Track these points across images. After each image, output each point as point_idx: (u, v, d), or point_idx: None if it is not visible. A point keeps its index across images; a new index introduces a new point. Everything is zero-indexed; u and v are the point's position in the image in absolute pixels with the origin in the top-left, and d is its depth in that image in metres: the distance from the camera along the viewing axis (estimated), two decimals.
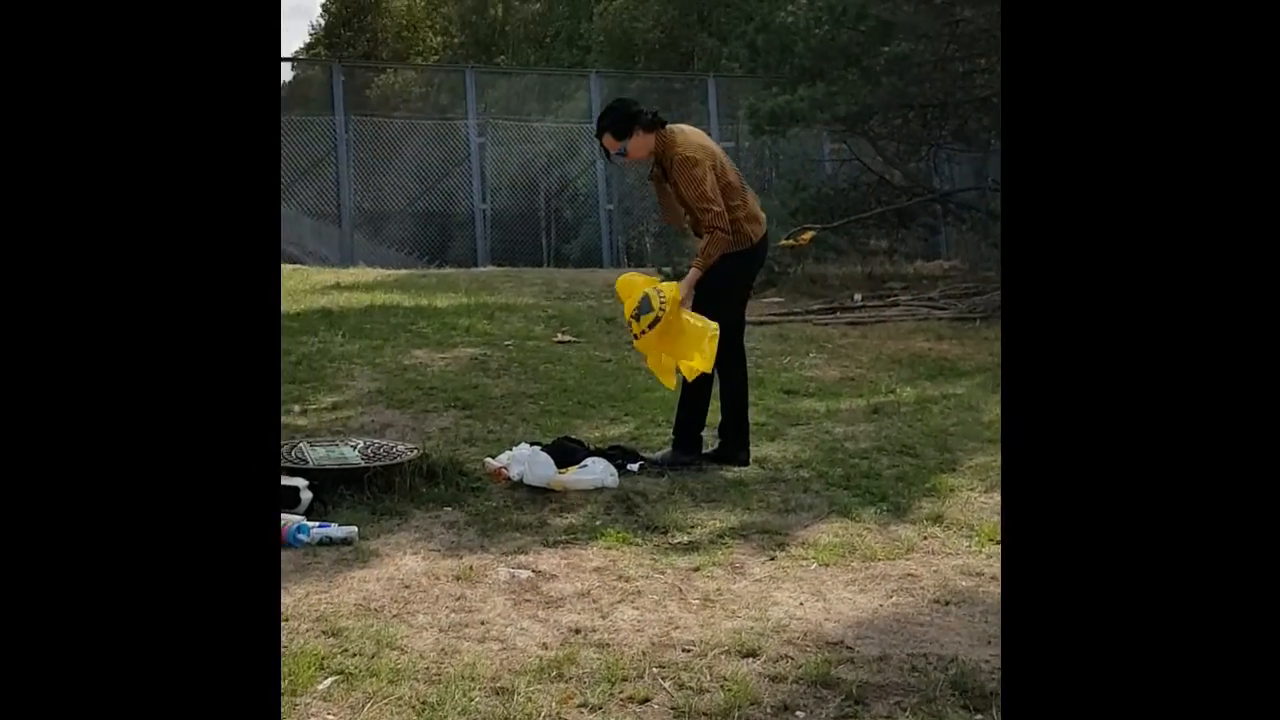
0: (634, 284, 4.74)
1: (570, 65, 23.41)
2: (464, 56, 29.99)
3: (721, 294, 4.73)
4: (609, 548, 3.77)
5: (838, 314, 9.34)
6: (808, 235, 10.87)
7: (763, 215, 5.01)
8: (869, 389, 6.47)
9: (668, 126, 4.78)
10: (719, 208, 4.65)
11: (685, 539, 3.90)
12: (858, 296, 10.03)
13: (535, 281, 10.98)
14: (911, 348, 7.81)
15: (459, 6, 33.00)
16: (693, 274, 4.71)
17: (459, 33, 33.33)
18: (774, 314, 9.25)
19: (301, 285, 10.29)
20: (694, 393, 4.85)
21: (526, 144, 16.54)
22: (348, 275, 11.32)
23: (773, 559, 3.71)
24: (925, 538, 3.91)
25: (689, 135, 4.82)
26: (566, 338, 7.98)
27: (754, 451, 5.00)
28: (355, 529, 3.82)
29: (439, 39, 37.04)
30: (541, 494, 4.31)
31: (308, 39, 49.29)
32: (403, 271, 12.32)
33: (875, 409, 5.93)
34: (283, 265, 13.35)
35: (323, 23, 44.17)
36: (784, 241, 10.99)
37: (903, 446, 5.15)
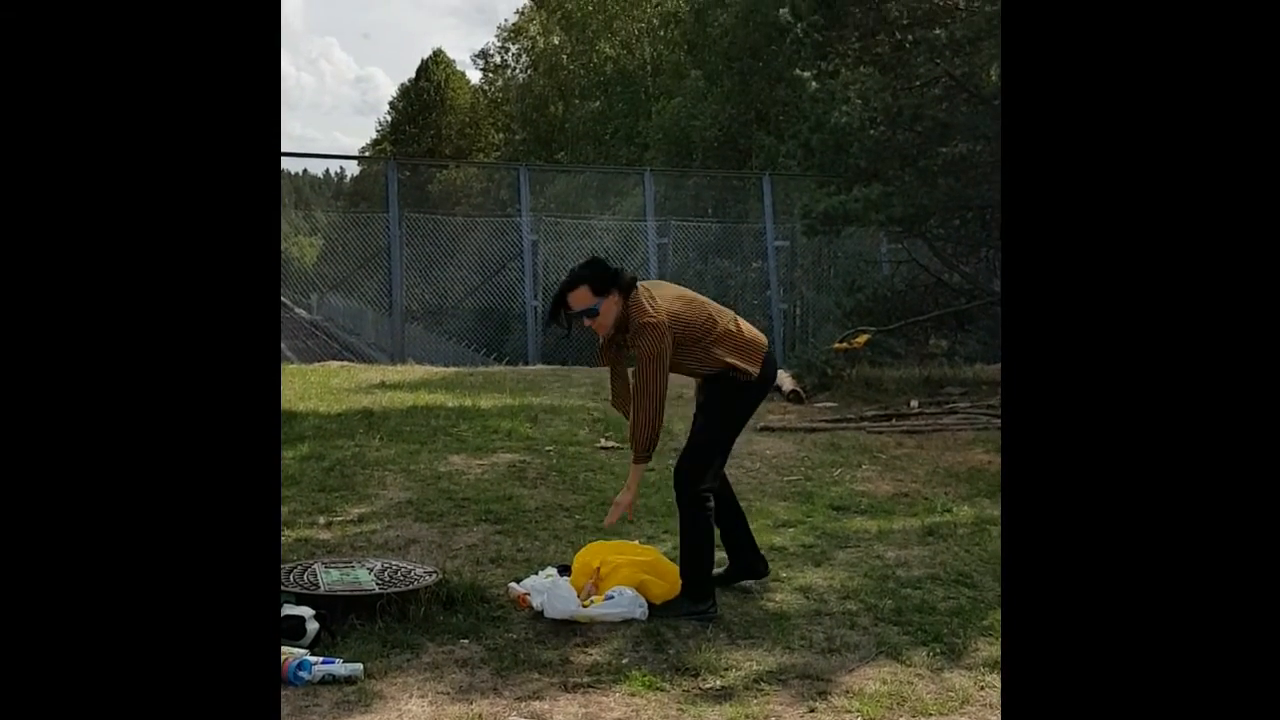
0: (594, 555, 4.43)
1: (628, 162, 23.56)
2: (524, 153, 30.39)
3: (721, 420, 4.41)
4: (633, 694, 3.46)
5: (893, 421, 9.00)
6: (863, 338, 10.61)
7: (762, 341, 4.52)
8: (924, 507, 6.12)
9: (639, 286, 4.35)
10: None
11: (718, 683, 3.58)
12: (914, 403, 9.69)
13: (584, 381, 10.77)
14: (970, 460, 7.45)
15: (520, 105, 33.54)
16: (635, 475, 4.32)
17: (520, 130, 33.81)
18: (827, 420, 8.94)
19: (346, 384, 10.17)
20: (692, 534, 4.36)
21: (584, 239, 16.54)
22: (394, 373, 11.20)
23: (812, 710, 3.37)
24: (982, 688, 3.56)
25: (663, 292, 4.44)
26: (610, 444, 7.72)
27: (800, 578, 4.69)
28: (360, 666, 3.55)
29: (500, 136, 37.65)
30: (566, 626, 4.02)
31: (374, 135, 50.49)
32: (451, 369, 12.19)
33: (930, 530, 5.58)
34: (333, 362, 13.34)
35: (389, 119, 45.23)
36: (838, 344, 10.74)
37: (959, 575, 4.80)
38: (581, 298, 4.24)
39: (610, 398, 4.75)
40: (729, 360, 4.34)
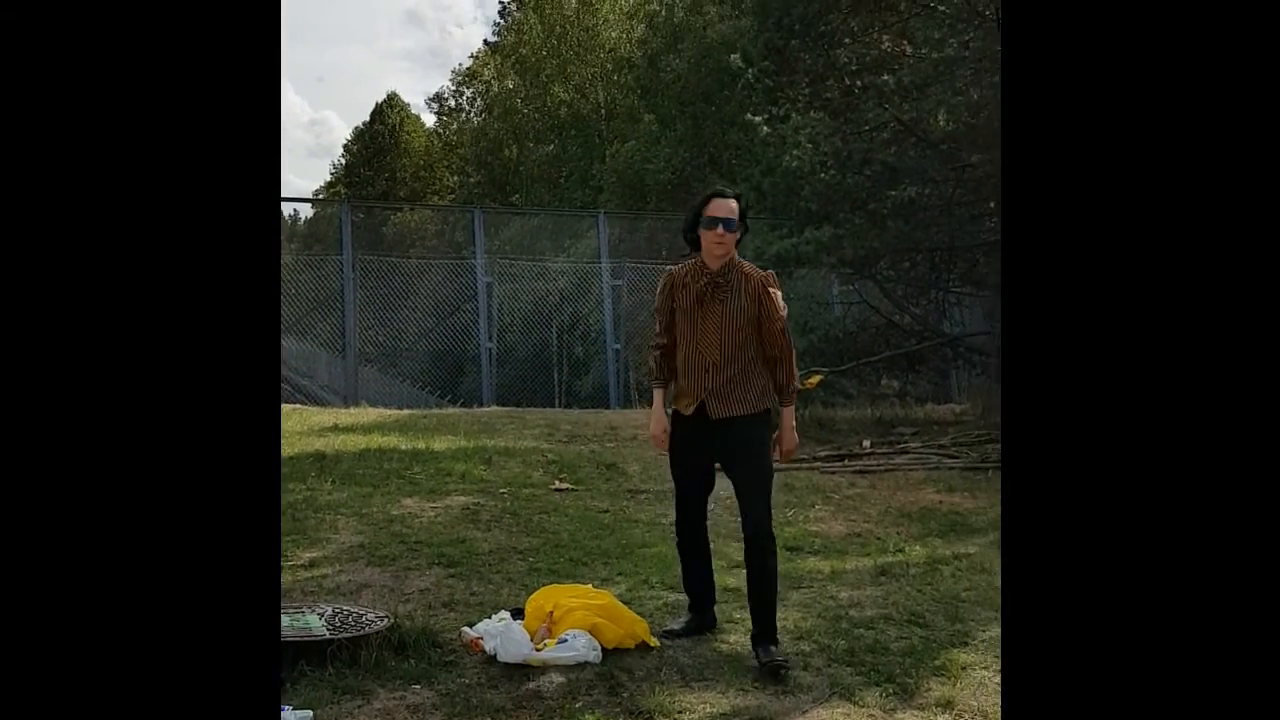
0: (547, 598, 4.42)
1: (583, 205, 23.65)
2: (479, 196, 30.42)
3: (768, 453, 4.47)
4: None
5: (846, 461, 9.06)
6: (815, 379, 10.66)
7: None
8: (877, 547, 6.16)
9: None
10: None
11: None
12: (867, 443, 9.76)
13: (538, 423, 10.74)
14: (921, 500, 7.51)
15: (474, 148, 33.61)
16: (791, 412, 4.48)
17: (474, 172, 33.87)
18: (779, 462, 8.96)
19: (299, 427, 10.07)
20: (772, 578, 4.40)
21: (538, 281, 16.56)
22: (347, 416, 11.12)
23: None
24: None
25: None
26: (564, 485, 7.71)
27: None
28: (310, 713, 3.51)
29: (455, 178, 37.68)
30: (519, 670, 3.99)
31: (328, 178, 50.38)
32: (404, 412, 12.12)
33: (883, 570, 5.62)
34: (285, 405, 13.23)
35: (343, 162, 45.14)
36: None
37: (911, 615, 4.83)
38: (730, 208, 4.21)
39: (658, 342, 4.48)
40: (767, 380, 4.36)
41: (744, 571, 5.52)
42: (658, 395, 4.46)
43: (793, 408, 4.48)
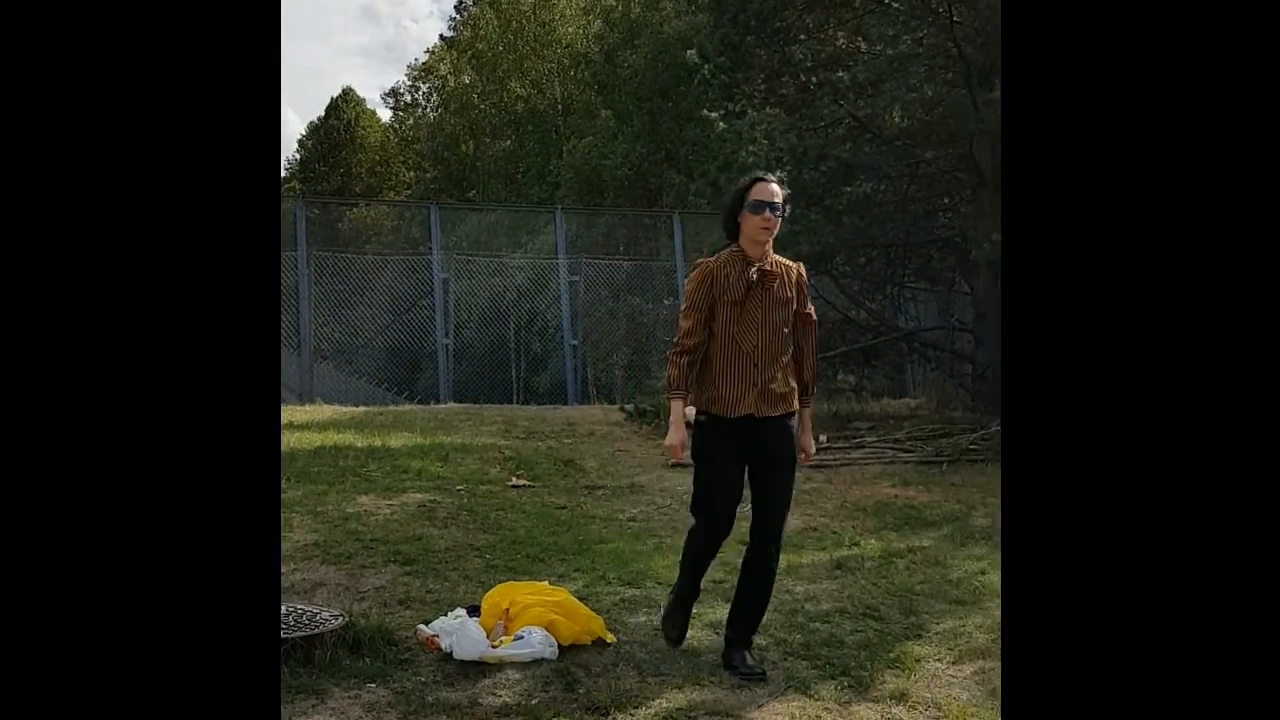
0: (503, 596, 4.42)
1: (540, 201, 23.59)
2: (435, 191, 30.25)
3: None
4: None
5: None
6: None
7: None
8: (832, 541, 6.19)
9: None
10: None
11: None
12: (823, 438, 9.80)
13: (495, 419, 10.71)
14: (877, 494, 7.56)
15: (431, 143, 33.43)
16: (810, 413, 4.25)
17: (431, 168, 33.68)
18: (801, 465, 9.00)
19: None
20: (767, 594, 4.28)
21: (495, 277, 16.49)
22: (302, 413, 11.02)
23: None
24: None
25: None
26: (521, 482, 7.69)
27: (713, 614, 4.71)
28: None
29: (411, 174, 37.45)
30: (475, 668, 3.98)
31: (283, 173, 49.95)
32: (360, 409, 12.03)
33: (838, 564, 5.65)
34: None
35: (298, 157, 44.73)
36: None
37: (866, 608, 4.86)
38: (775, 192, 4.02)
39: (686, 345, 4.07)
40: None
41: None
42: (677, 406, 4.07)
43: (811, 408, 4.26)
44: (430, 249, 15.23)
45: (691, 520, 4.25)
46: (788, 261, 4.15)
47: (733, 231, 4.10)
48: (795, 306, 4.09)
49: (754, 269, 4.01)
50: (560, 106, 27.71)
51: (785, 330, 4.06)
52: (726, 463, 4.05)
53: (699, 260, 4.17)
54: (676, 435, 4.07)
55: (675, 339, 4.08)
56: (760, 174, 4.17)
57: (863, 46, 11.12)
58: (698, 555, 4.26)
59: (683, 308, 4.10)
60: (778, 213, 4.01)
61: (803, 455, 4.24)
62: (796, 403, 4.11)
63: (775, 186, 4.05)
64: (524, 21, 29.09)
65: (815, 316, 4.23)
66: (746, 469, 4.09)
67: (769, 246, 4.08)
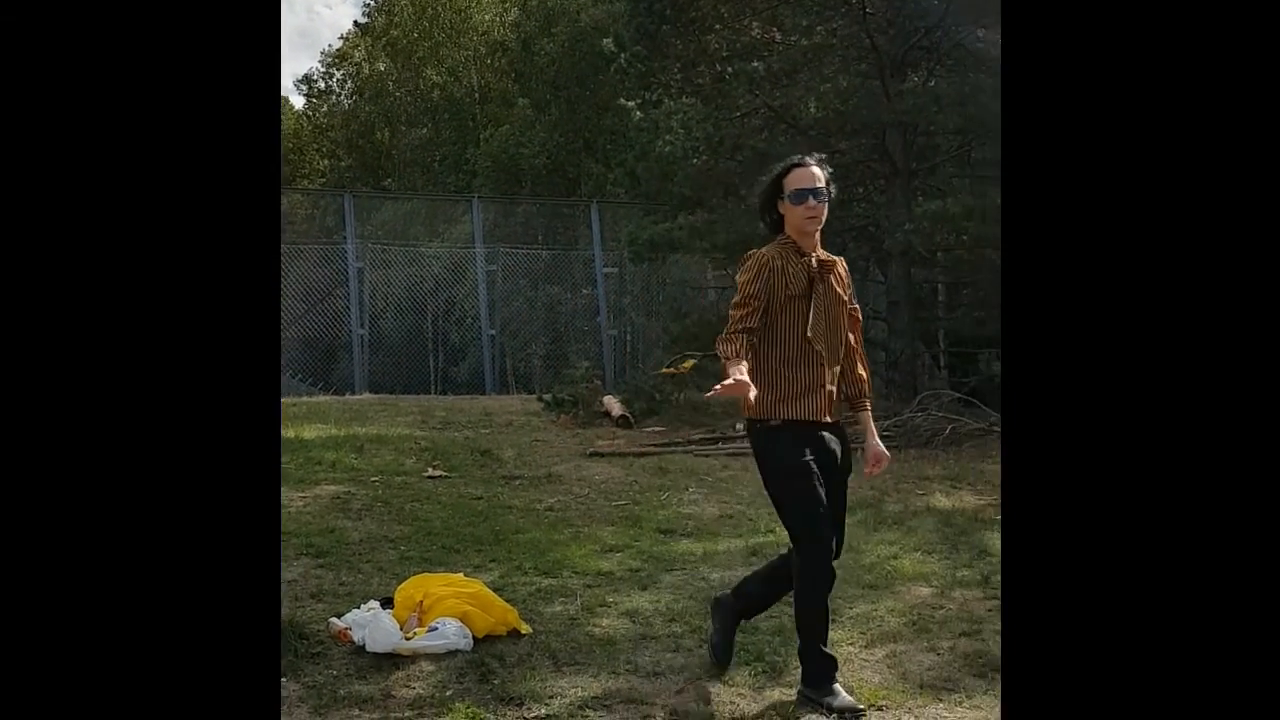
0: (417, 588, 4.38)
1: (457, 189, 23.39)
2: (350, 180, 29.82)
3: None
4: None
5: (719, 444, 9.16)
6: (689, 363, 10.77)
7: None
8: (748, 528, 6.23)
9: None
10: None
11: (542, 711, 3.57)
12: (739, 425, 9.87)
13: (411, 410, 10.62)
14: None
15: (345, 131, 32.94)
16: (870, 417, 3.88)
17: (345, 156, 33.20)
18: (655, 444, 9.03)
19: None
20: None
21: (412, 267, 16.32)
22: None
23: None
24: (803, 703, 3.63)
25: None
26: (438, 472, 7.63)
27: (627, 603, 4.72)
28: None
29: (325, 162, 36.88)
30: (389, 660, 3.94)
31: None
32: None
33: (754, 550, 5.69)
34: None
35: None
36: (666, 369, 10.88)
37: None
38: (816, 176, 3.64)
39: (750, 324, 3.60)
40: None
41: (618, 555, 5.56)
42: (738, 366, 3.46)
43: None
44: (345, 238, 15.02)
45: (795, 557, 3.69)
46: (830, 255, 3.78)
47: (775, 224, 3.74)
48: (845, 303, 3.76)
49: (813, 260, 3.66)
50: (477, 95, 27.49)
51: (843, 327, 3.76)
52: (812, 474, 3.58)
53: (751, 251, 3.75)
54: (738, 371, 3.41)
55: (730, 326, 3.59)
56: (797, 158, 3.74)
57: (777, 37, 11.19)
58: (824, 589, 3.65)
59: (736, 300, 3.65)
60: (822, 198, 3.63)
61: (879, 463, 3.87)
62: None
63: (816, 170, 3.65)
64: (439, 8, 28.78)
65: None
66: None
67: (818, 237, 3.71)
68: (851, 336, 3.81)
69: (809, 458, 3.58)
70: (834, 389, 3.71)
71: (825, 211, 3.65)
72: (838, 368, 3.74)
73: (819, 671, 3.59)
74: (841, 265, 3.78)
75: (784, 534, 6.01)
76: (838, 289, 3.72)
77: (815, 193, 3.60)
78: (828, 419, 3.68)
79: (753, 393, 3.39)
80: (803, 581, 3.63)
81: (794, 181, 3.63)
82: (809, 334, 3.62)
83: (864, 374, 3.87)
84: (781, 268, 3.62)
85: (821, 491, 3.57)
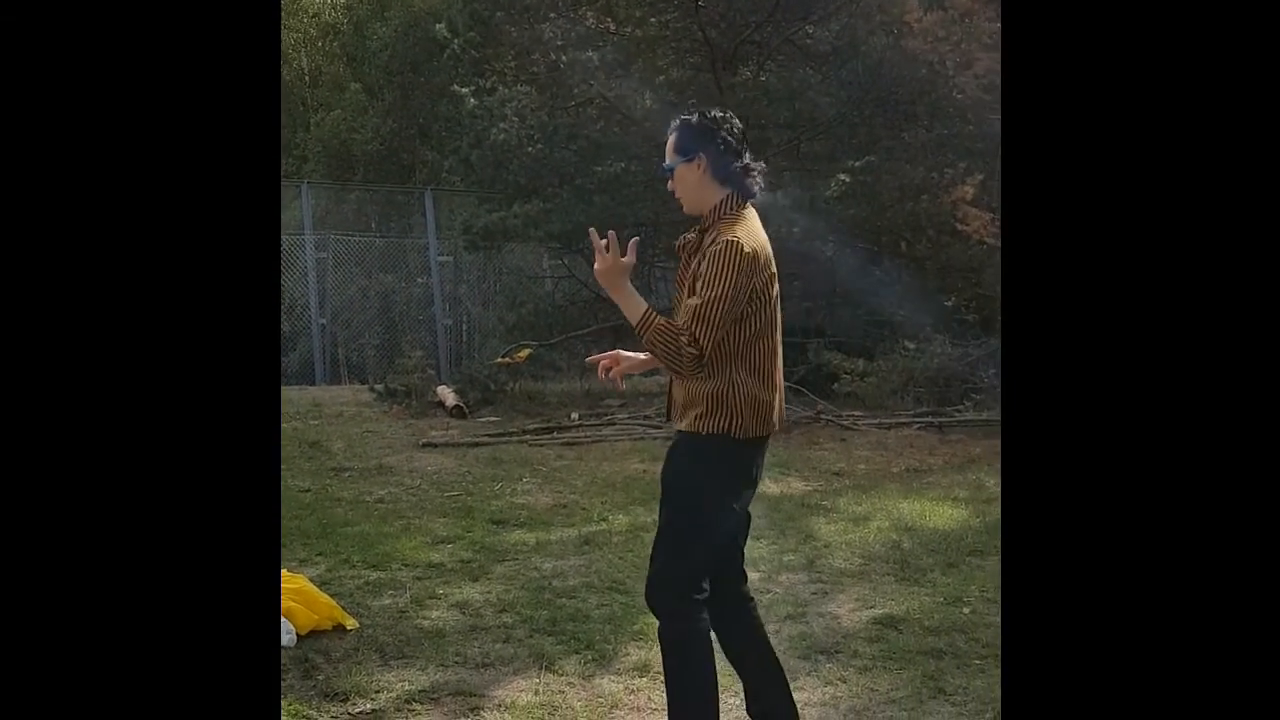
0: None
1: (285, 174, 22.73)
2: None
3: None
4: None
5: (554, 434, 9.15)
6: (524, 352, 10.72)
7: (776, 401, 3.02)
8: (581, 517, 6.24)
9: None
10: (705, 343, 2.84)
11: (369, 706, 3.50)
12: (575, 415, 9.89)
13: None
14: (626, 469, 7.67)
15: None
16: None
17: None
18: (489, 435, 8.96)
19: None
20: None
21: None
22: None
23: None
24: (631, 691, 3.66)
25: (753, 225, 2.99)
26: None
27: (457, 594, 4.67)
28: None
29: None
30: None
31: None
32: None
33: (587, 539, 5.70)
34: None
35: None
36: (501, 359, 10.81)
37: (613, 582, 4.93)
38: (669, 145, 3.04)
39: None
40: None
41: (450, 546, 5.50)
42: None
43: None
44: None
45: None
46: (714, 229, 2.99)
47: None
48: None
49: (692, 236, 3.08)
50: (307, 78, 26.76)
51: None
52: (742, 498, 3.10)
53: (732, 236, 2.89)
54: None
55: (701, 338, 2.85)
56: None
57: (612, 27, 11.21)
58: (703, 638, 2.97)
59: (719, 296, 2.84)
60: (667, 171, 3.06)
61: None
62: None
63: (670, 138, 3.07)
64: None
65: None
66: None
67: (703, 212, 3.02)
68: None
69: (749, 481, 3.13)
70: (678, 389, 3.05)
71: (675, 184, 3.04)
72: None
73: None
74: (712, 240, 2.93)
75: (615, 521, 6.06)
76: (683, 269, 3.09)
77: (663, 168, 3.09)
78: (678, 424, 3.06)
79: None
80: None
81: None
82: (768, 335, 3.00)
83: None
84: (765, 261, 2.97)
85: (741, 516, 3.15)
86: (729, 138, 3.00)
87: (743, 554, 3.16)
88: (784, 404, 3.10)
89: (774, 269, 2.99)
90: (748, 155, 3.04)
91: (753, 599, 3.17)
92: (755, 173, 3.03)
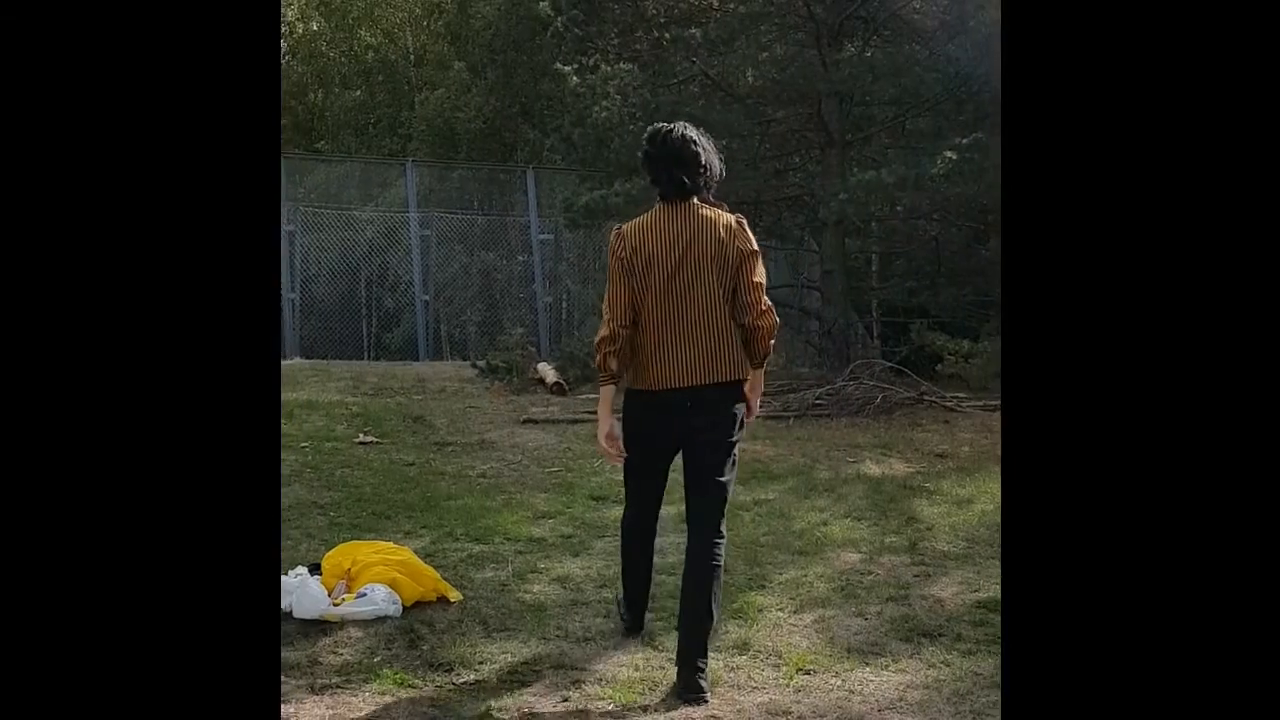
0: (345, 555, 4.34)
1: (391, 153, 23.08)
2: (283, 142, 29.32)
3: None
4: (383, 692, 3.40)
5: None
6: None
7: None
8: (679, 493, 6.24)
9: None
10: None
11: (472, 677, 3.56)
12: None
13: (344, 376, 10.49)
14: None
15: None
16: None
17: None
18: (589, 412, 9.00)
19: None
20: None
21: (345, 231, 16.09)
22: None
23: (565, 700, 3.40)
24: (731, 669, 3.67)
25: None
26: (369, 439, 7.56)
27: (558, 569, 4.72)
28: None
29: None
30: (316, 626, 3.90)
31: None
32: None
33: (682, 516, 5.70)
34: None
35: None
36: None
37: None
38: None
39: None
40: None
41: (551, 521, 5.56)
42: None
43: None
44: None
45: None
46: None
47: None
48: None
49: None
50: (412, 57, 27.10)
51: None
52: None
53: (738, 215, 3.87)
54: None
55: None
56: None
57: (715, 3, 11.13)
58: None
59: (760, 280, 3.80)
60: None
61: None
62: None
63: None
64: None
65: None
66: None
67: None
68: None
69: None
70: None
71: None
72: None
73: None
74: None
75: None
76: None
77: None
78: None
79: None
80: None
81: None
82: None
83: None
84: None
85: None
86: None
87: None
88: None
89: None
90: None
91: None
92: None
